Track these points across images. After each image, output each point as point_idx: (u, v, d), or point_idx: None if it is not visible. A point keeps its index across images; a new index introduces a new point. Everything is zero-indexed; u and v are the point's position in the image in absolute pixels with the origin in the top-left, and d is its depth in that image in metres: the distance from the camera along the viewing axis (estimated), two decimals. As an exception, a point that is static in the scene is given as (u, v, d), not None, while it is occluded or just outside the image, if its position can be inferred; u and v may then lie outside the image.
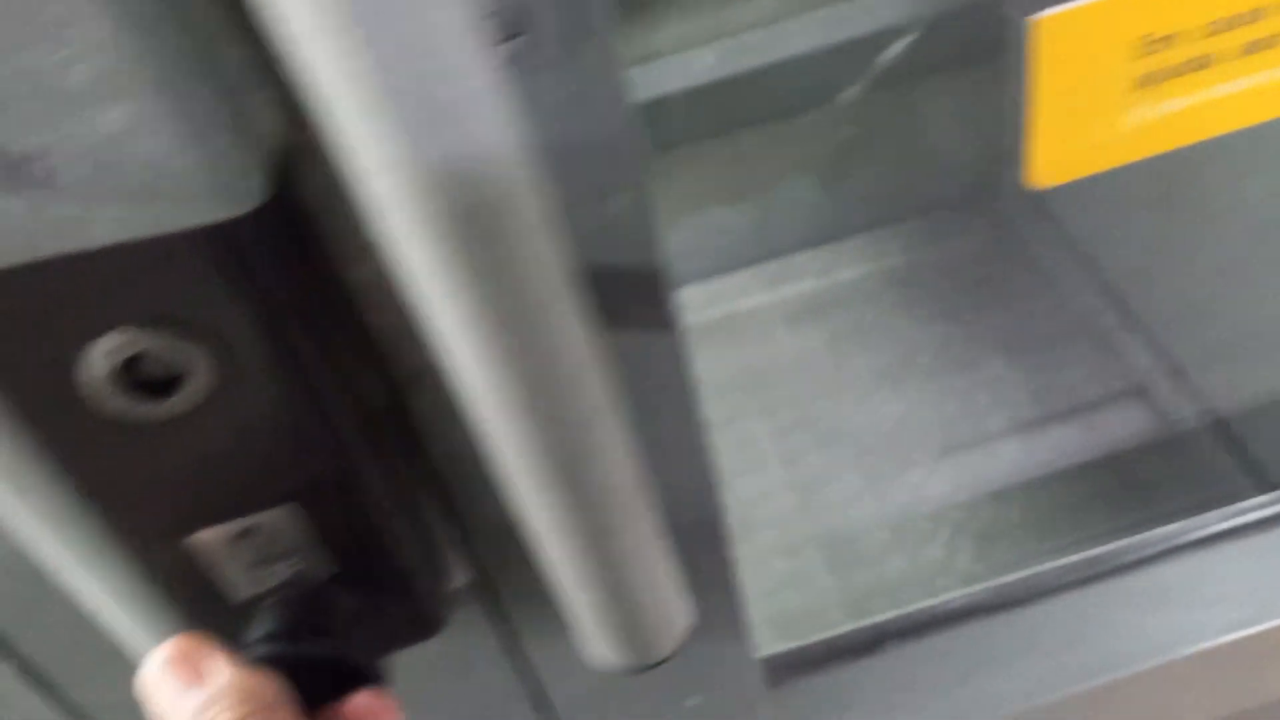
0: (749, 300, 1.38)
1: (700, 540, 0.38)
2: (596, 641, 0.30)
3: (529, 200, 0.21)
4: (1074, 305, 1.24)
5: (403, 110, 0.19)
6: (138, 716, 0.30)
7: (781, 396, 1.23)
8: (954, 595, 0.53)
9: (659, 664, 0.31)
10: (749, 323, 1.35)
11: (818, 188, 1.40)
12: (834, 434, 1.16)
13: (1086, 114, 0.36)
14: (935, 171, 1.37)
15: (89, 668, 0.40)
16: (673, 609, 0.30)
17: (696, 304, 1.36)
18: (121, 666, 0.33)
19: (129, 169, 0.22)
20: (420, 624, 0.35)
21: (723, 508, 0.38)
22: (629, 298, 0.31)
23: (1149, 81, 0.36)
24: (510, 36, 0.25)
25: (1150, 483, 1.01)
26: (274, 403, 0.28)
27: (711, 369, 1.28)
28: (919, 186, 1.40)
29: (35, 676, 0.40)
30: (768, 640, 1.01)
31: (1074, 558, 0.53)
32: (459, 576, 0.37)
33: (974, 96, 1.28)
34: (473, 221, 0.20)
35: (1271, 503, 0.55)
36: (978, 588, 0.54)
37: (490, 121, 0.19)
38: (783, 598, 1.04)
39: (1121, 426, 1.09)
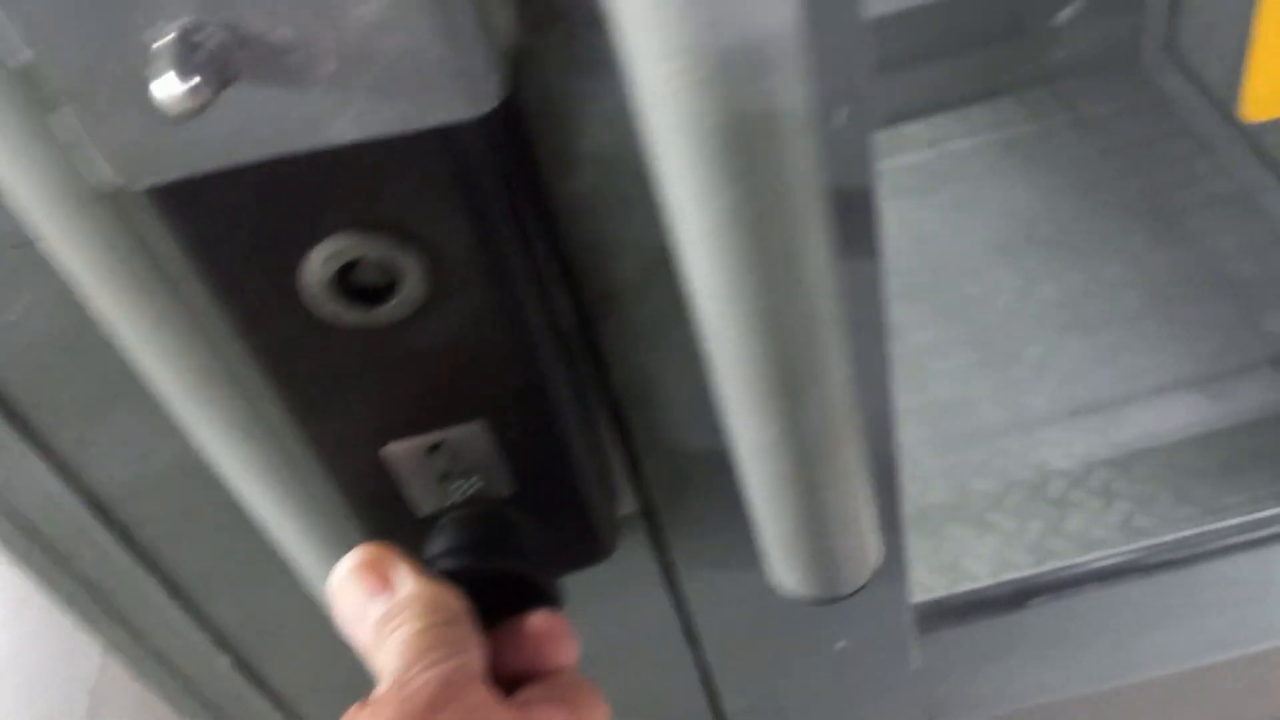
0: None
1: (879, 478, 0.37)
2: (789, 570, 0.30)
3: (798, 103, 0.20)
4: (1227, 172, 1.14)
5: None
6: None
7: (889, 269, 1.19)
8: (1101, 554, 0.52)
9: (848, 597, 0.30)
10: None
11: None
12: (945, 308, 1.11)
13: (1312, 46, 0.34)
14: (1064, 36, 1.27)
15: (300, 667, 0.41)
16: (867, 543, 0.30)
17: None
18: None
19: (381, 62, 0.22)
20: (592, 548, 0.35)
21: (899, 447, 0.37)
22: (843, 219, 0.31)
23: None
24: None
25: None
26: (480, 315, 0.27)
27: None
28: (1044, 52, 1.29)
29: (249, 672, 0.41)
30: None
31: (1231, 521, 0.51)
32: (627, 504, 0.37)
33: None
34: (744, 120, 0.19)
35: None
36: (1125, 549, 0.52)
37: (775, 14, 0.19)
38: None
39: (1275, 301, 1.02)
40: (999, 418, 1.02)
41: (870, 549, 0.30)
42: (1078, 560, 0.51)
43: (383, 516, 0.33)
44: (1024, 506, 0.96)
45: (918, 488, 0.98)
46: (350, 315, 0.27)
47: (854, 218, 0.29)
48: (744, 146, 0.20)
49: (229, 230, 0.25)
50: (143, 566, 0.38)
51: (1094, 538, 0.92)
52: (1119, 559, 0.50)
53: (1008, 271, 1.14)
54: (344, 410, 0.30)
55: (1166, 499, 0.93)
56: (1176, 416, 0.98)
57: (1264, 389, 0.98)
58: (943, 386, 1.05)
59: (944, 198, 1.24)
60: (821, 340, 0.24)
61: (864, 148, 0.28)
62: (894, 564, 0.39)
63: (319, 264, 0.26)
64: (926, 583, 0.91)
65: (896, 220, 1.20)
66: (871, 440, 0.35)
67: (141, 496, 0.36)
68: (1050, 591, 0.49)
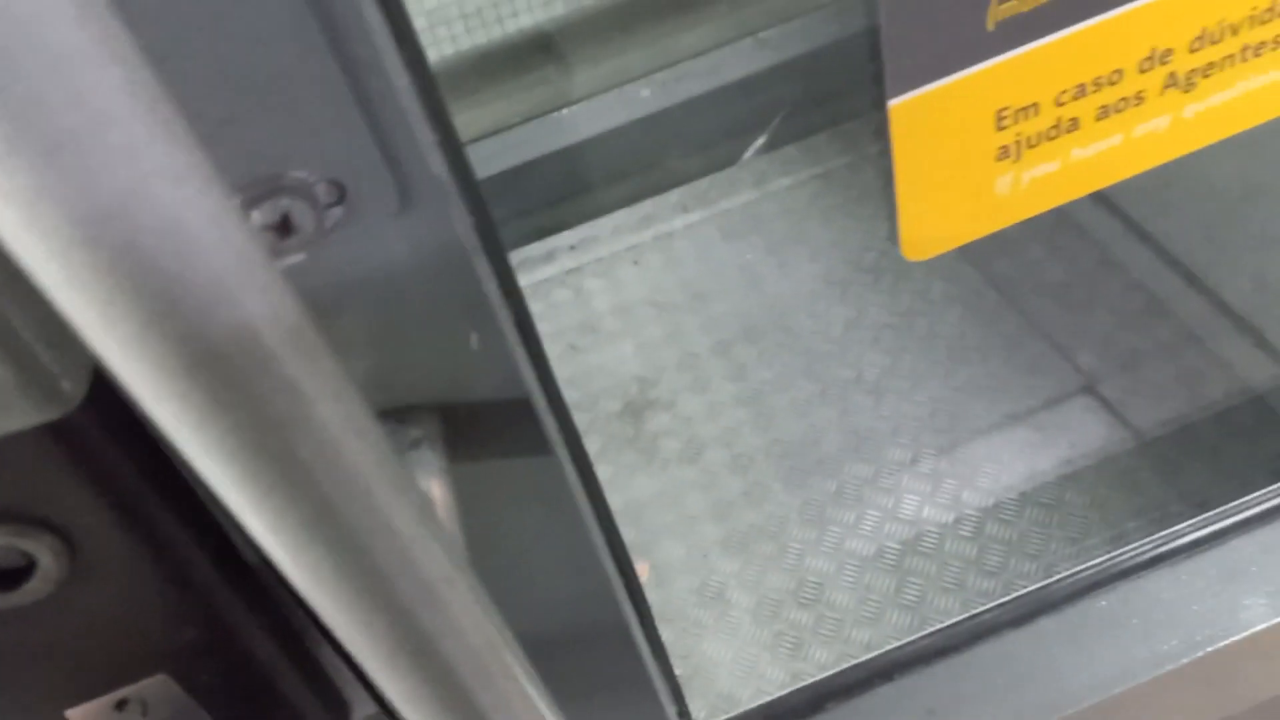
0: (682, 219, 1.34)
1: (614, 640, 0.38)
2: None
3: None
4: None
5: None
6: None
7: (723, 311, 1.21)
8: (890, 648, 0.53)
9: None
10: (685, 240, 1.31)
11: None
12: (783, 343, 1.14)
13: (952, 188, 0.36)
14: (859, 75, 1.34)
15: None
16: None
17: (627, 227, 1.33)
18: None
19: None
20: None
21: (641, 606, 0.38)
22: (507, 425, 0.31)
23: (1009, 153, 0.36)
24: (337, 202, 0.25)
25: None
26: (130, 579, 0.27)
27: (646, 290, 1.25)
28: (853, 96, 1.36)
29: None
30: (722, 562, 0.99)
31: (1013, 596, 0.53)
32: (362, 710, 0.37)
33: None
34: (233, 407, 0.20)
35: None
36: (914, 637, 0.54)
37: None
38: (737, 517, 1.02)
39: (1093, 299, 1.08)
40: (844, 444, 1.05)
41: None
42: (866, 656, 0.52)
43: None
44: (880, 529, 0.99)
45: (777, 524, 1.00)
46: (-4, 601, 0.27)
47: (520, 425, 0.30)
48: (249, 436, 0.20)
49: None
50: None
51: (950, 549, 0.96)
52: (907, 648, 0.52)
53: (838, 301, 1.18)
54: (15, 682, 0.29)
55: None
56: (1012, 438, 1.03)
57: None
58: (788, 422, 1.08)
59: (770, 237, 1.28)
60: (432, 600, 0.24)
61: (508, 361, 0.29)
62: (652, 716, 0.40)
63: (-53, 560, 0.26)
64: (795, 619, 0.94)
65: (728, 263, 1.25)
66: (597, 610, 0.36)
67: None
68: (843, 693, 0.50)
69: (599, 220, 1.37)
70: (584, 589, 0.35)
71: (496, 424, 0.30)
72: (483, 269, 0.28)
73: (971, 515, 0.99)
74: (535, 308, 1.21)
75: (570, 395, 1.13)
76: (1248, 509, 0.54)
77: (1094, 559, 0.54)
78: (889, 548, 0.98)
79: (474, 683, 0.25)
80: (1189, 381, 1.02)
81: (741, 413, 1.11)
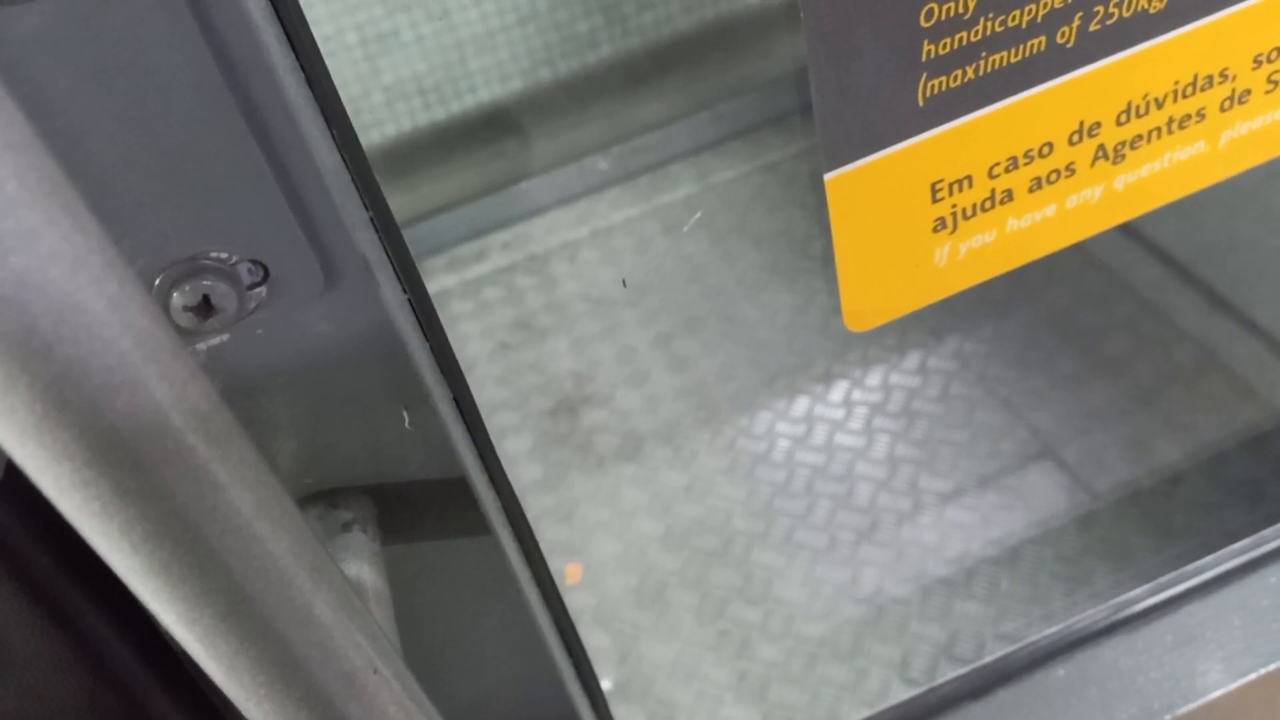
0: (621, 213, 1.31)
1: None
2: None
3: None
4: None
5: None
6: None
7: (664, 303, 1.18)
8: None
9: None
10: (624, 235, 1.28)
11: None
12: (727, 333, 1.11)
13: (889, 260, 0.37)
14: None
15: None
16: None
17: (566, 224, 1.30)
18: None
19: None
20: None
21: (597, 699, 0.37)
22: (444, 505, 0.31)
23: (946, 224, 0.36)
24: (260, 282, 0.25)
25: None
26: (48, 673, 0.26)
27: (581, 285, 1.22)
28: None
29: None
30: (664, 556, 0.95)
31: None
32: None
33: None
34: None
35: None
36: (873, 713, 0.53)
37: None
38: (679, 511, 0.99)
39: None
40: (791, 433, 1.03)
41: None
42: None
43: None
44: (832, 519, 0.97)
45: (720, 519, 0.98)
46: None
47: (457, 505, 0.30)
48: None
49: None
50: None
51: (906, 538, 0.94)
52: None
53: (785, 290, 1.16)
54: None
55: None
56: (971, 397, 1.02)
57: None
58: (732, 411, 1.06)
59: (714, 229, 1.26)
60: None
61: (443, 439, 0.29)
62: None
63: None
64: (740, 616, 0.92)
65: (668, 255, 1.24)
66: (542, 697, 0.35)
67: None
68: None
69: (533, 220, 1.32)
70: (528, 676, 0.34)
71: (432, 504, 0.29)
72: (416, 346, 0.27)
73: (931, 500, 0.98)
74: (464, 307, 1.19)
75: (500, 394, 1.11)
76: (1200, 574, 0.54)
77: (1050, 628, 0.54)
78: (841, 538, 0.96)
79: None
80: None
81: (683, 405, 1.08)
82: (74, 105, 0.19)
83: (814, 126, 0.34)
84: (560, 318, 1.21)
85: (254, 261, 0.22)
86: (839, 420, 1.04)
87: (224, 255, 0.22)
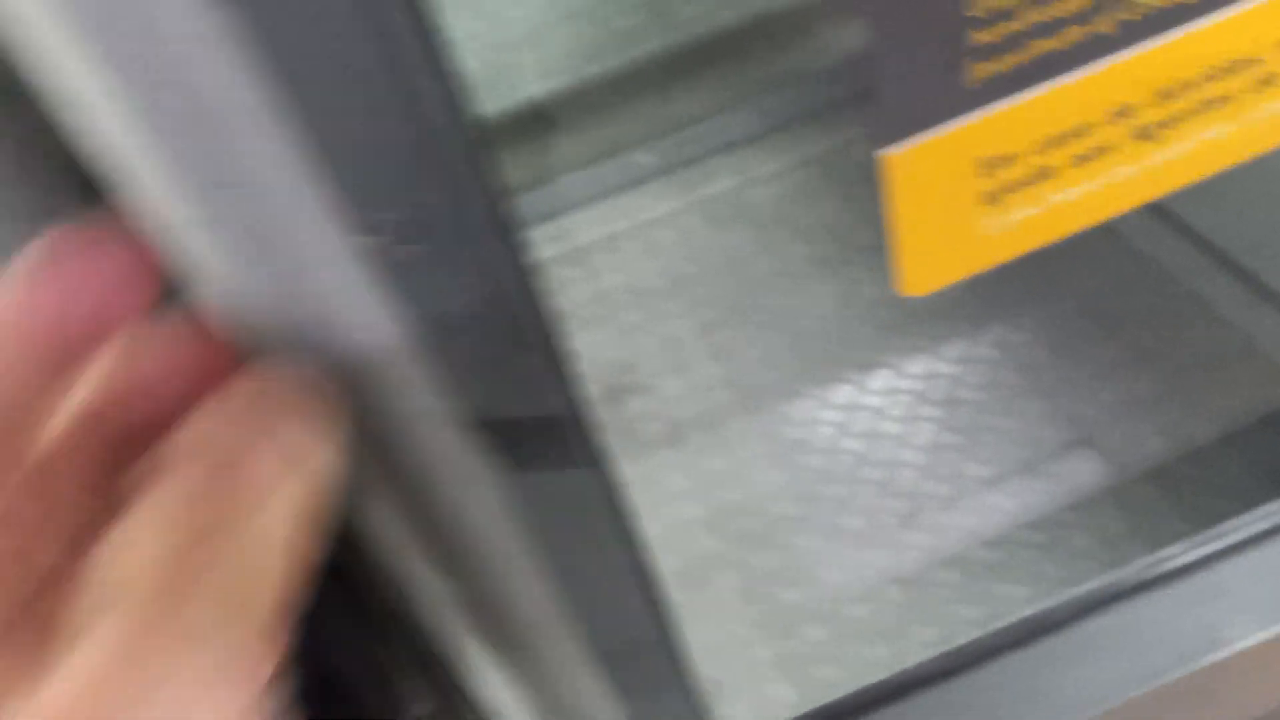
0: (664, 206, 1.31)
1: (647, 659, 0.41)
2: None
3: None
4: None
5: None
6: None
7: (707, 294, 1.18)
8: (897, 672, 0.56)
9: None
10: (666, 228, 1.29)
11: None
12: (769, 323, 1.11)
13: (943, 230, 0.40)
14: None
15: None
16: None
17: (609, 217, 1.30)
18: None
19: None
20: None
21: (671, 628, 0.41)
22: (547, 442, 0.35)
23: (993, 198, 0.40)
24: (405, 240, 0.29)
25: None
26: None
27: (629, 277, 1.23)
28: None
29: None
30: (700, 537, 0.93)
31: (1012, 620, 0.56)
32: (419, 707, 0.40)
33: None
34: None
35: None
36: (926, 659, 0.56)
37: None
38: (721, 496, 0.99)
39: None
40: (834, 420, 1.04)
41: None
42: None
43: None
44: (875, 503, 0.99)
45: (759, 501, 1.00)
46: None
47: (560, 438, 0.34)
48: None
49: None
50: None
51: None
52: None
53: (827, 280, 1.17)
54: None
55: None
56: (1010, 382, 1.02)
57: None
58: (774, 399, 1.07)
59: (757, 220, 1.26)
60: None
61: (559, 379, 0.33)
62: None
63: None
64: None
65: (709, 247, 1.24)
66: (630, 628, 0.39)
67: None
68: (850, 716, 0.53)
69: (576, 213, 1.33)
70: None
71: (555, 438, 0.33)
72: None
73: (972, 486, 0.98)
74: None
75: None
76: (1234, 533, 0.57)
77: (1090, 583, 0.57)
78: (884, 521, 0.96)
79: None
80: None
81: (725, 393, 1.09)
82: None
83: (868, 111, 0.38)
84: (604, 308, 1.22)
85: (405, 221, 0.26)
86: (880, 408, 1.05)
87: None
